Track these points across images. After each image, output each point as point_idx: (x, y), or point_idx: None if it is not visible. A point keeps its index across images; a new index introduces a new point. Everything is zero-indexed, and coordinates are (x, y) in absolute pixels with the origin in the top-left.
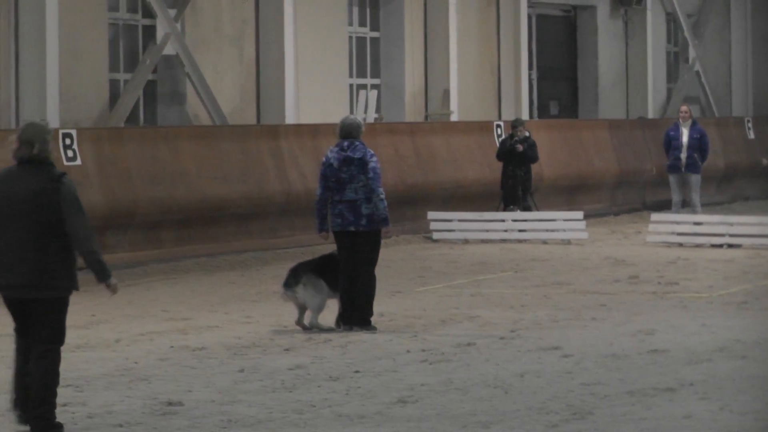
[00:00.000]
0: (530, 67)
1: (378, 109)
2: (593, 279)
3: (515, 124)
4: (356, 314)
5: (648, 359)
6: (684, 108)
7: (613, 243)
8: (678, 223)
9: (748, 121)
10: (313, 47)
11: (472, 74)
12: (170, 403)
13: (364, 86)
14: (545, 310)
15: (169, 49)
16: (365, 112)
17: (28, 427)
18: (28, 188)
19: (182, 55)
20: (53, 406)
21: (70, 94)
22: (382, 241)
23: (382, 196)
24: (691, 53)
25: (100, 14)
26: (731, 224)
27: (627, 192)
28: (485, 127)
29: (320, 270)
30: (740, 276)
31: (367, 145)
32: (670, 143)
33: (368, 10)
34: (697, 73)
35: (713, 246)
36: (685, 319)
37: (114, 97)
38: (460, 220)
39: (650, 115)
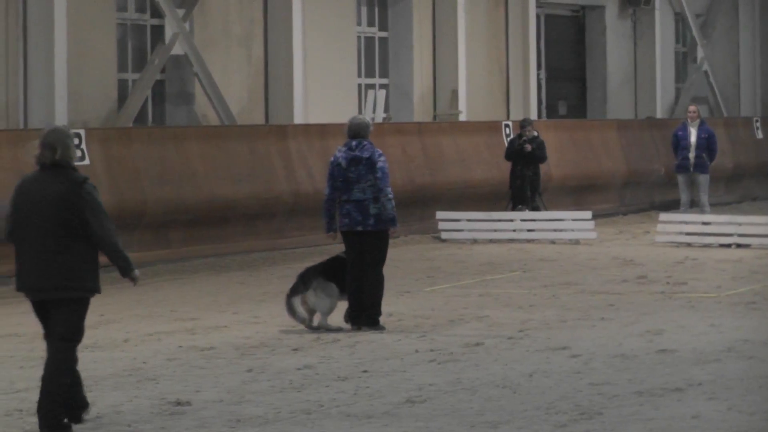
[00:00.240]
0: (539, 67)
1: (386, 109)
2: (602, 279)
3: (524, 124)
4: (364, 314)
5: (656, 359)
6: (692, 108)
7: (621, 243)
8: (686, 223)
9: (757, 121)
10: (322, 47)
11: (481, 74)
12: (178, 403)
13: (372, 86)
14: (554, 310)
15: (177, 49)
16: (374, 112)
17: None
18: (51, 192)
19: (191, 55)
20: (61, 404)
21: (79, 94)
22: (390, 241)
23: (390, 196)
24: (700, 53)
25: (108, 14)
26: (740, 224)
27: (635, 192)
28: (494, 127)
29: (329, 273)
30: (749, 276)
31: (375, 145)
32: (679, 143)
33: (377, 10)
34: (706, 73)
35: (722, 246)
36: (694, 319)
37: (122, 97)
38: (468, 220)
39: (659, 115)
